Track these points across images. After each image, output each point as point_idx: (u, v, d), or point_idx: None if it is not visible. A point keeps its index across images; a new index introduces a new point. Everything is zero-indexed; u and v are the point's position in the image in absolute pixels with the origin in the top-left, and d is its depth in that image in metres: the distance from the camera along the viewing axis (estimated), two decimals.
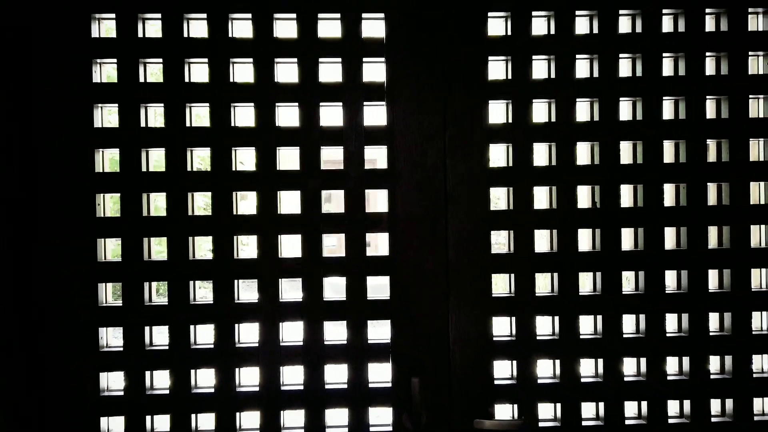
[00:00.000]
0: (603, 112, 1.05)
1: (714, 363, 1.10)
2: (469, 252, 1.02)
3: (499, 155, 1.16)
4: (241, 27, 1.06)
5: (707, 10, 1.07)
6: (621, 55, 1.06)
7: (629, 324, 1.11)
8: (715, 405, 1.10)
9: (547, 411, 1.10)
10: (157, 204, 1.09)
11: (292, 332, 1.09)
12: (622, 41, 1.05)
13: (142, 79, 1.03)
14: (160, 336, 1.08)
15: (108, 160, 1.07)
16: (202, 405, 1.02)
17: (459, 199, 1.02)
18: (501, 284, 1.14)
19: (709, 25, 1.09)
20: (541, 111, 1.10)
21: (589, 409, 1.09)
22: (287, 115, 1.08)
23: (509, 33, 1.05)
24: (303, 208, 1.02)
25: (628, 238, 1.10)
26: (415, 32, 1.02)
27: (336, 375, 1.07)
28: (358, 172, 1.02)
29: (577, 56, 1.05)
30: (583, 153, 1.10)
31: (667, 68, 1.09)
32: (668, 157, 1.09)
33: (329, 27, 1.06)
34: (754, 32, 1.06)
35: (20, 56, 0.98)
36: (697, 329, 1.06)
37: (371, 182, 1.03)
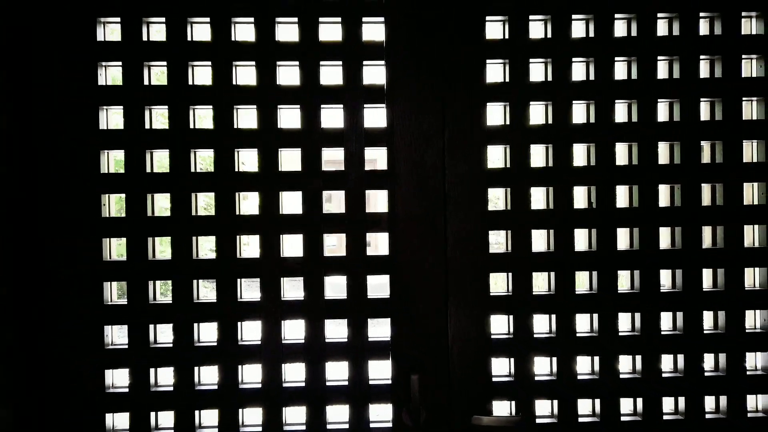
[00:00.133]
0: (599, 114, 1.07)
1: (708, 361, 1.12)
2: (468, 251, 1.04)
3: (497, 156, 1.17)
4: (244, 30, 1.07)
5: (701, 14, 1.09)
6: (617, 58, 1.08)
7: (625, 322, 1.13)
8: (709, 402, 1.11)
9: (544, 408, 1.12)
10: (160, 204, 1.11)
11: (293, 330, 1.10)
12: (618, 44, 1.06)
13: (146, 82, 1.05)
14: (164, 334, 1.10)
15: (113, 161, 1.08)
16: (205, 401, 1.03)
17: (458, 199, 1.04)
18: (499, 283, 1.16)
19: (704, 28, 1.11)
20: (538, 113, 1.12)
21: (585, 406, 1.11)
22: (289, 117, 1.10)
23: (507, 36, 1.07)
24: (304, 208, 1.04)
25: (623, 238, 1.12)
26: (414, 36, 1.04)
27: (337, 372, 1.09)
28: (358, 172, 1.04)
29: (574, 59, 1.07)
30: (580, 154, 1.12)
31: (662, 71, 1.11)
32: (663, 158, 1.11)
33: (330, 30, 1.08)
34: (747, 35, 1.08)
35: (27, 61, 1.00)
36: (692, 327, 1.08)
37: (371, 183, 1.05)
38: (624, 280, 1.14)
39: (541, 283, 1.14)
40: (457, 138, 1.04)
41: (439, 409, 1.03)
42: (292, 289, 1.13)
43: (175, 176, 1.03)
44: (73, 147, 1.01)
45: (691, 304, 1.08)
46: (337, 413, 1.07)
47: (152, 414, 1.04)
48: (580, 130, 1.07)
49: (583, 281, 1.15)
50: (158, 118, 1.12)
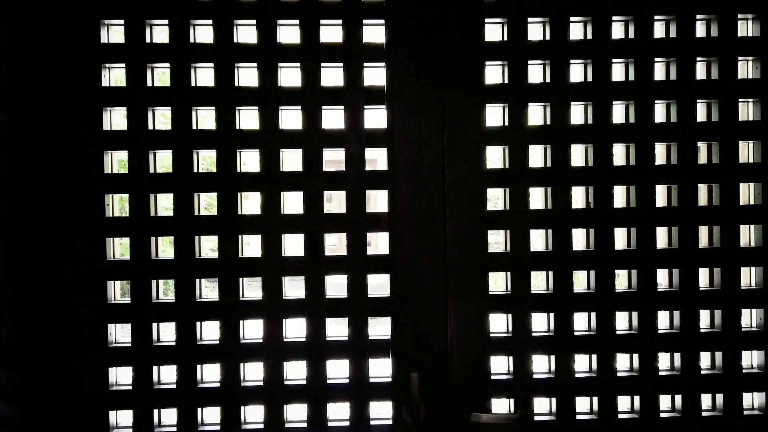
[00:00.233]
0: (597, 116, 1.08)
1: (705, 359, 1.13)
2: (467, 251, 1.05)
3: (496, 156, 1.19)
4: (246, 32, 1.09)
5: (698, 16, 1.10)
6: (614, 60, 1.09)
7: (622, 321, 1.14)
8: (705, 400, 1.13)
9: (542, 405, 1.13)
10: (162, 204, 1.12)
11: (294, 329, 1.12)
12: (616, 46, 1.08)
13: (149, 83, 1.06)
14: (166, 333, 1.11)
15: (116, 161, 1.10)
16: (207, 399, 1.05)
17: (457, 199, 1.05)
18: (499, 282, 1.17)
19: (700, 30, 1.12)
20: (537, 114, 1.13)
21: (583, 404, 1.12)
22: (290, 118, 1.11)
23: (506, 38, 1.09)
24: (305, 208, 1.05)
25: (621, 238, 1.13)
26: (414, 38, 1.05)
27: (337, 370, 1.10)
28: (359, 173, 1.05)
29: (572, 61, 1.08)
30: (578, 155, 1.13)
31: (660, 72, 1.12)
32: (660, 159, 1.12)
33: (331, 32, 1.09)
34: (743, 38, 1.09)
35: (31, 62, 1.01)
36: (688, 326, 1.09)
37: (372, 183, 1.06)
38: (622, 280, 1.16)
39: (539, 282, 1.15)
40: (456, 138, 1.05)
41: (438, 406, 1.05)
42: (293, 288, 1.15)
43: (177, 177, 1.04)
44: (76, 147, 1.02)
45: (688, 303, 1.09)
46: (338, 411, 1.09)
47: (155, 411, 1.06)
48: (578, 131, 1.08)
49: (581, 280, 1.16)
50: (160, 118, 1.13)
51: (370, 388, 1.06)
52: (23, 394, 0.99)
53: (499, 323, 1.12)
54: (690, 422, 1.09)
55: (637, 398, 1.10)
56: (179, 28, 1.04)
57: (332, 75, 1.09)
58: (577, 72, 1.11)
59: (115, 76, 1.09)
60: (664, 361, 1.14)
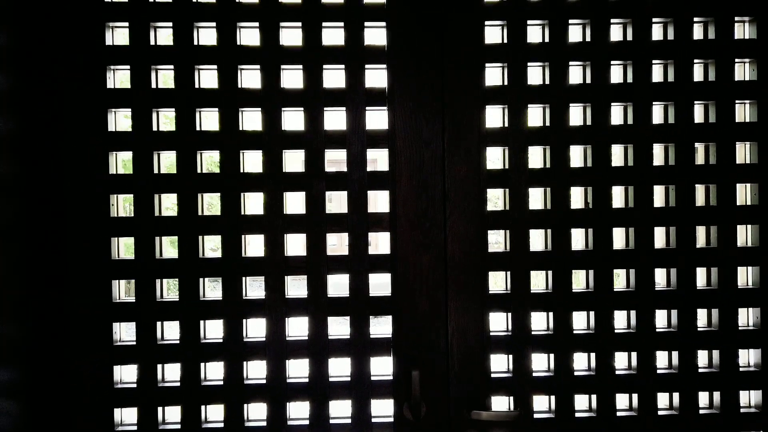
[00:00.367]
0: (596, 117, 1.09)
1: (702, 357, 1.14)
2: (467, 250, 1.07)
3: (496, 157, 1.20)
4: (249, 34, 1.10)
5: (695, 19, 1.11)
6: (613, 62, 1.10)
7: (620, 320, 1.15)
8: (703, 398, 1.14)
9: (542, 403, 1.14)
10: (165, 203, 1.13)
11: (297, 327, 1.13)
12: (614, 48, 1.09)
13: (153, 85, 1.08)
14: (171, 331, 1.13)
15: (121, 162, 1.11)
16: (211, 397, 1.06)
17: (457, 199, 1.07)
18: (498, 282, 1.18)
19: (698, 33, 1.13)
20: (536, 115, 1.14)
21: (582, 402, 1.14)
22: (293, 119, 1.12)
23: (506, 40, 1.10)
24: (307, 208, 1.07)
25: (619, 238, 1.14)
26: (415, 40, 1.06)
27: (339, 368, 1.11)
28: (360, 174, 1.07)
29: (571, 63, 1.09)
30: (577, 156, 1.15)
31: (657, 74, 1.13)
32: (658, 159, 1.13)
33: (333, 34, 1.11)
34: (740, 40, 1.11)
35: (36, 64, 1.02)
36: (686, 325, 1.10)
37: (373, 183, 1.08)
38: (620, 279, 1.17)
39: (539, 281, 1.16)
40: (457, 139, 1.07)
41: (439, 404, 1.06)
42: (295, 287, 1.16)
43: (181, 177, 1.05)
44: (81, 148, 1.04)
45: (685, 302, 1.10)
46: (340, 408, 1.10)
47: (159, 409, 1.07)
48: (577, 132, 1.09)
49: (580, 280, 1.17)
50: (164, 119, 1.14)
51: (372, 386, 1.07)
52: (29, 392, 1.01)
53: (499, 322, 1.14)
54: (687, 420, 1.10)
55: (635, 396, 1.12)
56: (183, 30, 1.05)
57: (334, 76, 1.11)
58: (576, 74, 1.12)
59: (119, 77, 1.11)
60: (662, 359, 1.15)
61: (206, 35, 1.10)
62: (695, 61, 1.11)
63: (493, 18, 1.08)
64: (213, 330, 1.13)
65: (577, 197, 1.15)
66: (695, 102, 1.10)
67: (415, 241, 1.06)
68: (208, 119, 1.13)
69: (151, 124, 1.06)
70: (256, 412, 1.11)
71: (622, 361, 1.14)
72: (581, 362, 1.14)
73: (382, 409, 1.11)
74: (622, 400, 1.13)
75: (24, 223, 1.01)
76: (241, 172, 1.06)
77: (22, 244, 1.00)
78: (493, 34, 1.11)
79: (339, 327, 1.15)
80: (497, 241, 1.27)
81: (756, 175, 1.11)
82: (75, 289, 1.04)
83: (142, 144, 1.05)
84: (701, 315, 1.15)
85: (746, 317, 1.16)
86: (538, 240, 1.16)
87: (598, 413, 1.09)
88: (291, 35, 1.11)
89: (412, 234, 1.06)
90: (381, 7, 1.07)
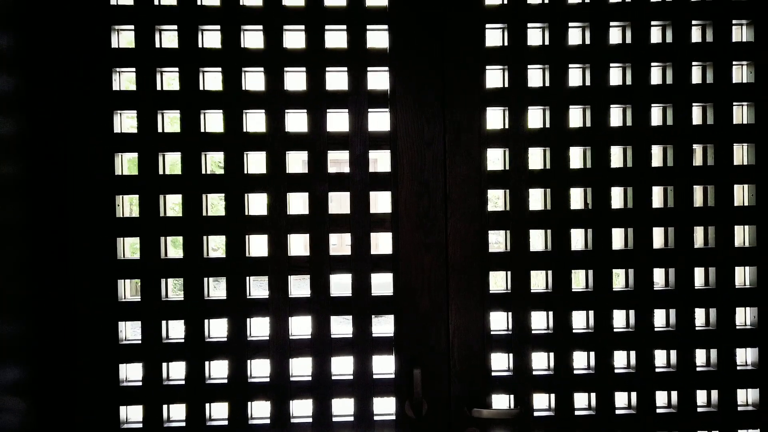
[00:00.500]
0: (595, 119, 1.10)
1: (700, 356, 1.16)
2: (468, 250, 1.08)
3: (496, 158, 1.21)
4: (253, 37, 1.11)
5: (694, 22, 1.12)
6: (612, 64, 1.11)
7: (620, 319, 1.16)
8: (701, 396, 1.15)
9: (542, 401, 1.15)
10: (170, 204, 1.15)
11: (300, 326, 1.14)
12: (613, 51, 1.10)
13: (159, 87, 1.09)
14: (176, 330, 1.14)
15: (126, 163, 1.12)
16: (215, 395, 1.07)
17: (458, 200, 1.08)
18: (499, 281, 1.19)
19: (696, 35, 1.14)
20: (536, 117, 1.15)
21: (581, 400, 1.15)
22: (296, 121, 1.14)
23: (506, 43, 1.11)
24: (311, 208, 1.08)
25: (618, 238, 1.15)
26: (417, 42, 1.07)
27: (342, 367, 1.12)
28: (362, 175, 1.08)
29: (571, 65, 1.11)
30: (576, 157, 1.16)
31: (656, 76, 1.15)
32: (656, 160, 1.14)
33: (336, 37, 1.12)
34: (738, 43, 1.12)
35: (43, 66, 1.04)
36: (684, 324, 1.12)
37: (375, 184, 1.09)
38: (619, 279, 1.18)
39: (539, 281, 1.18)
40: (457, 141, 1.08)
41: (440, 402, 1.07)
42: (299, 287, 1.17)
43: (186, 178, 1.07)
44: (87, 150, 1.05)
45: (683, 302, 1.12)
46: (343, 406, 1.11)
47: (164, 407, 1.08)
48: (576, 134, 1.10)
49: (579, 279, 1.19)
50: (169, 121, 1.15)
51: (374, 385, 1.08)
52: (36, 390, 1.02)
53: (499, 321, 1.15)
54: (685, 418, 1.11)
55: (634, 394, 1.13)
56: (187, 33, 1.07)
57: (337, 79, 1.12)
58: (575, 76, 1.14)
59: (125, 79, 1.12)
60: (660, 358, 1.16)
61: (210, 38, 1.11)
62: (694, 63, 1.12)
63: (494, 20, 1.09)
64: (217, 329, 1.14)
65: (577, 198, 1.16)
66: (693, 104, 1.12)
67: (417, 242, 1.08)
68: (212, 121, 1.15)
69: (156, 126, 1.07)
70: (260, 410, 1.12)
71: (621, 359, 1.15)
72: (581, 361, 1.15)
73: (384, 407, 1.12)
74: (621, 399, 1.14)
75: (31, 224, 1.02)
76: (244, 173, 1.08)
77: (29, 245, 1.01)
78: (494, 36, 1.13)
79: (341, 326, 1.17)
80: (498, 241, 1.28)
81: (753, 176, 1.12)
82: (81, 289, 1.05)
83: (147, 145, 1.06)
84: (699, 314, 1.16)
85: (744, 316, 1.17)
86: (538, 240, 1.17)
87: (598, 411, 1.11)
88: (294, 38, 1.12)
89: (414, 234, 1.08)
90: (383, 10, 1.08)
